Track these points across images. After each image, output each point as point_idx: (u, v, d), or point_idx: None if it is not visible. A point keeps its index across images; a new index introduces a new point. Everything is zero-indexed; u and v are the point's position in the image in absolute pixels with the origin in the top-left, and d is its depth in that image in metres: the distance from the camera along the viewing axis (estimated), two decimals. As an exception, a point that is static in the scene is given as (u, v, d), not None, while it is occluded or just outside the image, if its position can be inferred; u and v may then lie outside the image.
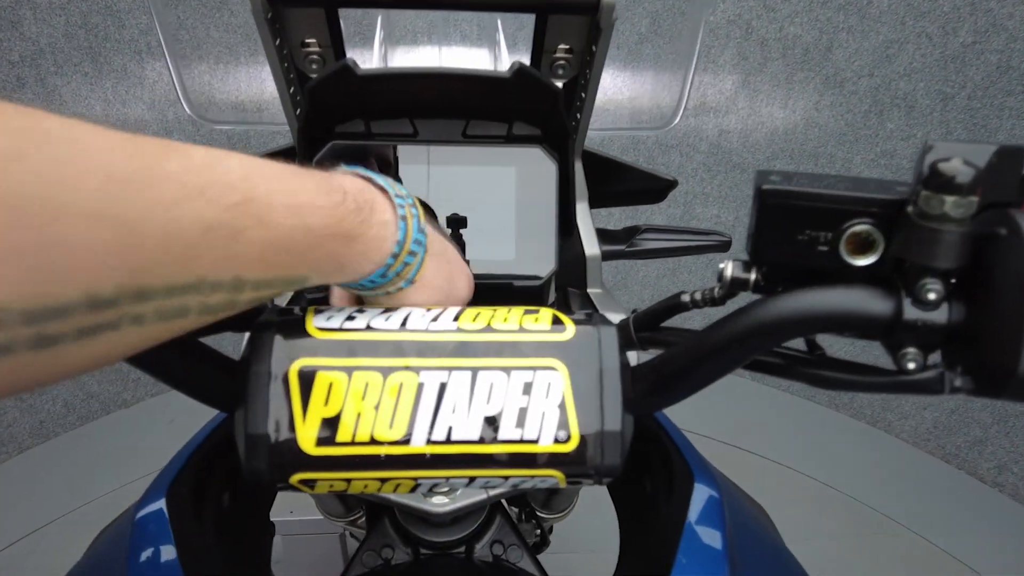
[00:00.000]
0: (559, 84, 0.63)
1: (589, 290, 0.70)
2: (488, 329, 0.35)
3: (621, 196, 0.70)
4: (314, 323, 0.35)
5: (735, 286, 0.37)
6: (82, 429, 2.16)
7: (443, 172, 0.59)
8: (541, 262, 0.61)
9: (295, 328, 0.34)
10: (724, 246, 0.78)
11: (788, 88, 2.06)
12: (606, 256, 0.72)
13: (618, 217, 2.20)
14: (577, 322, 0.36)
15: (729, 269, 0.37)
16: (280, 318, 0.35)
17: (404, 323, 0.35)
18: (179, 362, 0.35)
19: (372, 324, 0.35)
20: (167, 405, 2.29)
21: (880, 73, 1.95)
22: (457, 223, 0.60)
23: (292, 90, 0.61)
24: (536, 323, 0.36)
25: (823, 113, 2.05)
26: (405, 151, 0.58)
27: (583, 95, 0.60)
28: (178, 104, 0.83)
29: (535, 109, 0.58)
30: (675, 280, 2.47)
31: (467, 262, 0.48)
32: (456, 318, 0.35)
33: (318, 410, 0.33)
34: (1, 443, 2.00)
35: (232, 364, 0.37)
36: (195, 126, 1.96)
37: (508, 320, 0.36)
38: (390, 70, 0.54)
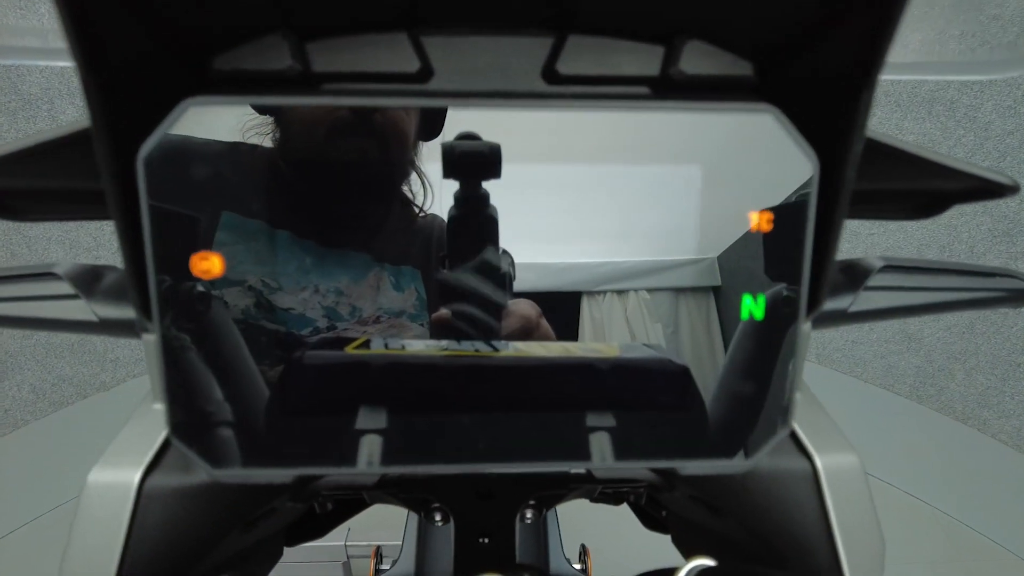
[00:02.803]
0: None
1: None
2: None
3: (866, 202, 0.34)
4: None
5: None
6: (55, 416, 1.90)
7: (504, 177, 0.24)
8: (749, 406, 0.26)
9: None
10: (1021, 297, 0.41)
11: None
12: (819, 322, 0.36)
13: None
14: None
15: None
16: None
17: None
18: None
19: None
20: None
21: (1037, -11, 1.50)
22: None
23: None
24: None
25: (948, 46, 1.61)
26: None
27: None
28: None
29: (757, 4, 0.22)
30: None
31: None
32: None
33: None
34: (-40, 435, 1.75)
35: None
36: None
37: None
38: None
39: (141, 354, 2.03)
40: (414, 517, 0.80)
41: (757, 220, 0.24)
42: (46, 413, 1.89)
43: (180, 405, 0.24)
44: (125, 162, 0.21)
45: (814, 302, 0.26)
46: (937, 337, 2.01)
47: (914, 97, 1.69)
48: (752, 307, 0.25)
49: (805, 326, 0.32)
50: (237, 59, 0.23)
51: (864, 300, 0.38)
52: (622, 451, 0.26)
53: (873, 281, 0.38)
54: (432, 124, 0.24)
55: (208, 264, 0.23)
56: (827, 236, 0.25)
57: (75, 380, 1.93)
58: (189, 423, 0.25)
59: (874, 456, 1.80)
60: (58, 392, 1.90)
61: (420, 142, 0.24)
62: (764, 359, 0.27)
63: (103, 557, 0.30)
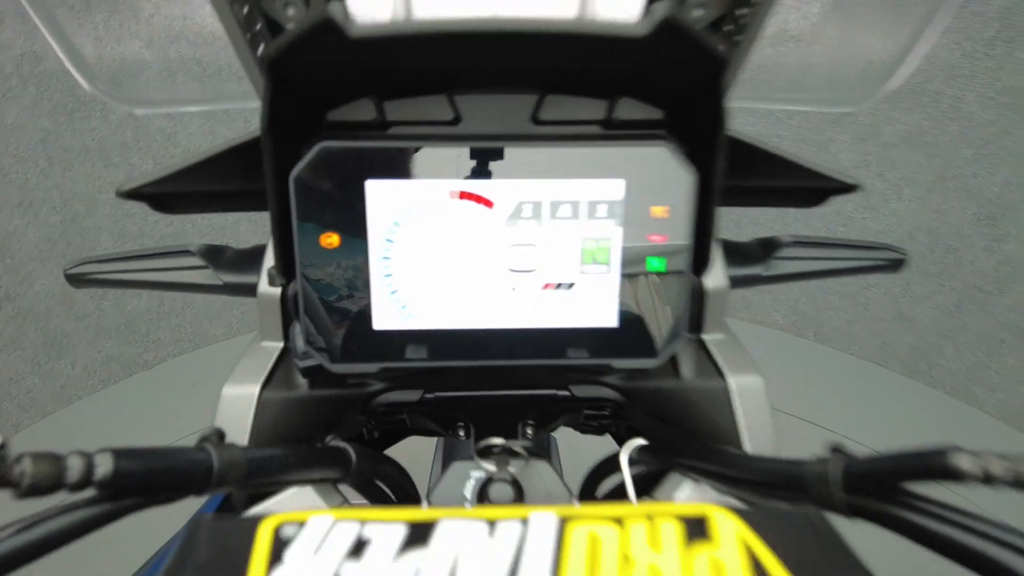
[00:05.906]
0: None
1: (705, 336, 0.48)
2: None
3: (757, 195, 0.47)
4: None
5: None
6: (104, 393, 2.08)
7: (494, 188, 0.37)
8: (657, 325, 0.39)
9: None
10: (895, 265, 0.55)
11: (895, 9, 1.70)
12: (737, 283, 0.49)
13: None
14: None
15: None
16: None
17: None
18: None
19: None
20: (190, 366, 2.19)
21: (1015, -12, 1.59)
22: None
23: (260, 49, 0.38)
24: None
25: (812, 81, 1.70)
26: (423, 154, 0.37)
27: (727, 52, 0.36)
28: (181, 42, 0.60)
29: (663, 80, 0.35)
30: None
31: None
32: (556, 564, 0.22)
33: None
34: (22, 408, 1.92)
35: None
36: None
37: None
38: (406, 28, 0.30)
39: (180, 335, 2.20)
40: (438, 462, 0.94)
41: (660, 211, 0.38)
42: (96, 389, 2.07)
43: (310, 328, 0.38)
44: (278, 178, 0.35)
45: (702, 261, 0.39)
46: (929, 316, 2.11)
47: (901, 91, 1.78)
48: (656, 265, 0.39)
49: (724, 283, 0.46)
50: (342, 113, 0.37)
51: (775, 266, 0.51)
52: (575, 353, 0.40)
53: (782, 252, 0.51)
54: None
55: (331, 240, 0.37)
56: (706, 219, 0.38)
57: (121, 359, 2.09)
58: (316, 339, 0.39)
59: (866, 429, 1.92)
60: (107, 370, 2.07)
61: None
62: (670, 299, 0.40)
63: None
